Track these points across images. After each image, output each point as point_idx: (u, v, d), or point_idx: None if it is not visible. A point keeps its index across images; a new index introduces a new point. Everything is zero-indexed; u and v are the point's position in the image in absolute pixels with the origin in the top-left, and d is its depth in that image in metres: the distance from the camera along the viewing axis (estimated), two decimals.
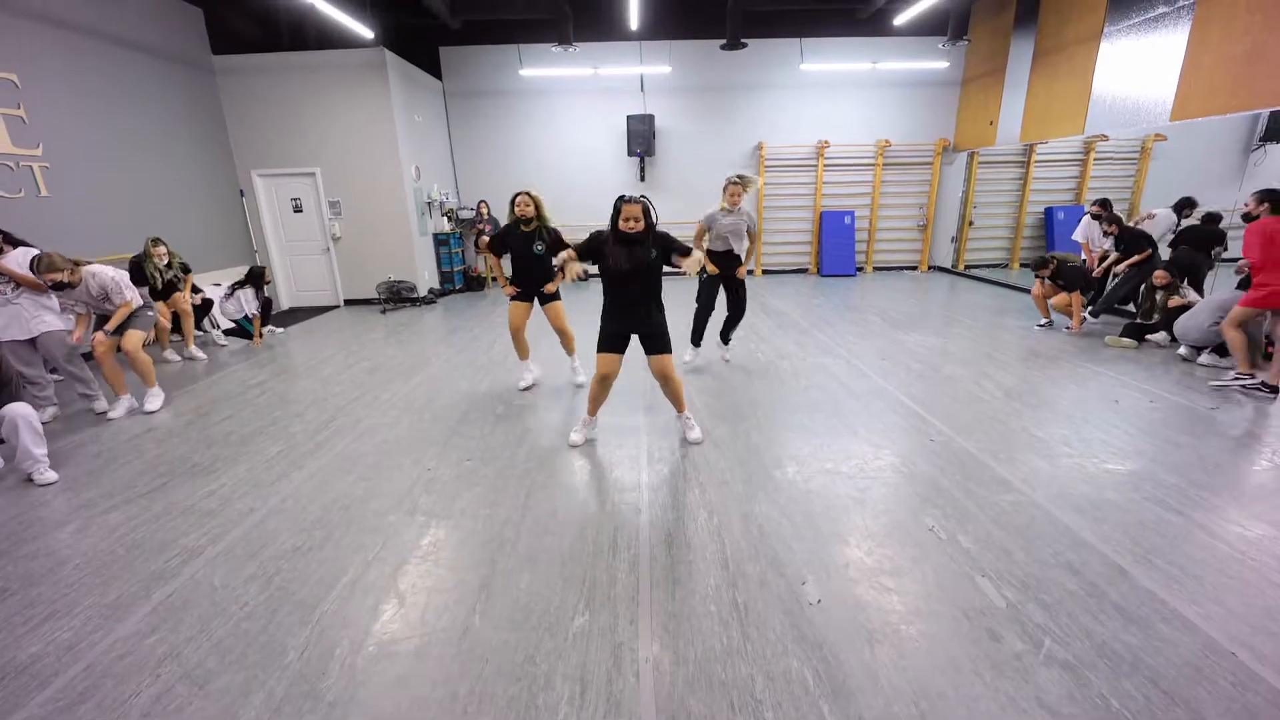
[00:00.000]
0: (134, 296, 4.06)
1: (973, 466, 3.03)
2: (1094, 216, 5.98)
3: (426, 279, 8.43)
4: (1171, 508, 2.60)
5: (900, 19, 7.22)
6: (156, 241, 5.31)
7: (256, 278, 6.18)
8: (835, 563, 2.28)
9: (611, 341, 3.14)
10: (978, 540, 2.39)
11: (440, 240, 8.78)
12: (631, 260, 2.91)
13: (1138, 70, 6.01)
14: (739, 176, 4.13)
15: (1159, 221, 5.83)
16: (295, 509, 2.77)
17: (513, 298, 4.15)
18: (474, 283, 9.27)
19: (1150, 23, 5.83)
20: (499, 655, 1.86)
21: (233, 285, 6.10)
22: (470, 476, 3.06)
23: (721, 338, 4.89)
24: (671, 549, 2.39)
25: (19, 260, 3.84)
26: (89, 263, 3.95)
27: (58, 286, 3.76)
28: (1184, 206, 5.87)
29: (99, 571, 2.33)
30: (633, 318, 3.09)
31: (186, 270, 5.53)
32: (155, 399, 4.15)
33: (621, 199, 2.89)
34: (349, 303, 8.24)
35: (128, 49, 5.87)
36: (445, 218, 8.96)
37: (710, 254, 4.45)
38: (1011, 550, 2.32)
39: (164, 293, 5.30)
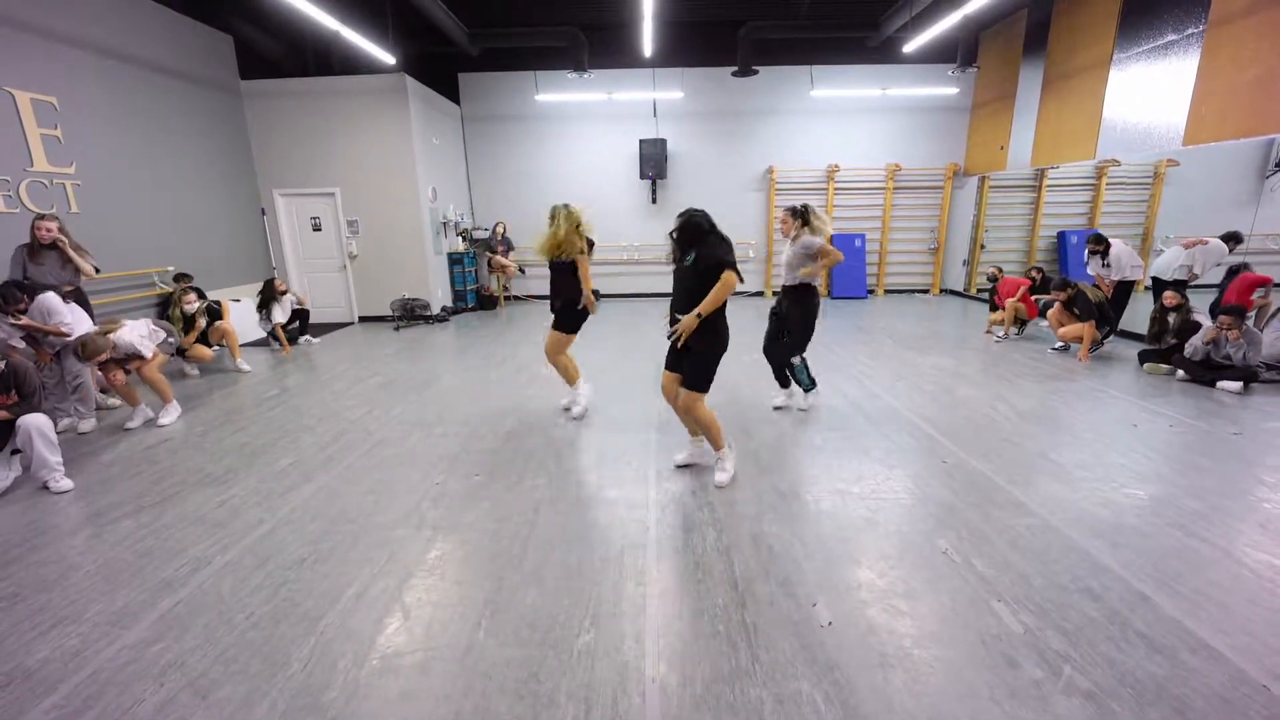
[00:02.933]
0: (154, 353, 4.25)
1: (987, 489, 2.98)
2: (1091, 253, 6.22)
3: (440, 297, 8.53)
4: (1195, 534, 2.52)
5: (910, 47, 7.32)
6: (186, 289, 5.52)
7: (270, 292, 6.40)
8: (847, 584, 2.23)
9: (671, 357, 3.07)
10: (993, 564, 2.34)
11: (454, 259, 8.90)
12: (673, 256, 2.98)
13: (1149, 96, 6.03)
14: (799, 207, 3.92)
15: (1212, 249, 5.79)
16: (304, 521, 2.78)
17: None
18: (486, 301, 9.36)
19: (1160, 50, 5.86)
20: (503, 672, 1.83)
21: (259, 308, 6.49)
22: (478, 492, 3.05)
23: (786, 384, 4.27)
24: (679, 568, 2.36)
25: (40, 309, 3.88)
26: (118, 326, 4.09)
27: (103, 365, 3.93)
28: (1230, 239, 5.87)
29: (109, 579, 2.34)
30: (675, 309, 3.01)
31: (217, 316, 5.70)
32: (171, 413, 4.21)
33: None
34: (363, 319, 8.35)
35: (160, 73, 6.10)
36: (460, 238, 9.12)
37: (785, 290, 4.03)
38: (1028, 575, 2.26)
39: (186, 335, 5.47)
